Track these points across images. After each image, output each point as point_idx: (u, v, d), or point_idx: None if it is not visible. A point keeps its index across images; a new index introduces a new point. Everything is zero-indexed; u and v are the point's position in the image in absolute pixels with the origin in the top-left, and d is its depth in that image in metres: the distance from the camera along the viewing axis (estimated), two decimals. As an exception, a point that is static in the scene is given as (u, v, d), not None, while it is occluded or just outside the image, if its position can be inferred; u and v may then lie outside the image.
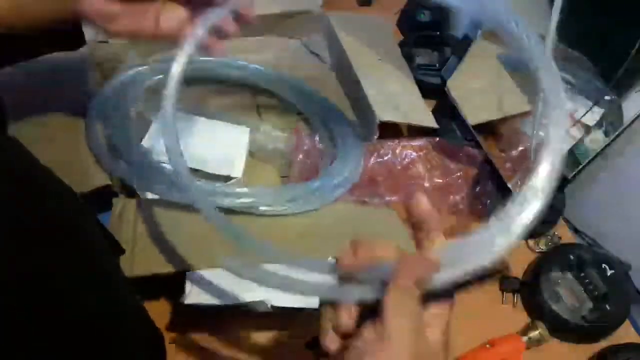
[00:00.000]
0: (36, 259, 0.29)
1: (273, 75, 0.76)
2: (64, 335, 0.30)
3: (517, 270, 0.67)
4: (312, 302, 0.50)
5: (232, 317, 0.54)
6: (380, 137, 0.68)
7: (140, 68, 0.70)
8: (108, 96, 0.66)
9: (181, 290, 0.51)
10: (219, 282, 0.51)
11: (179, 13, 0.47)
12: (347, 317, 0.33)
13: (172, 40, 0.45)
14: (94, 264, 0.36)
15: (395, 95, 0.71)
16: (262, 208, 0.58)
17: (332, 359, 0.34)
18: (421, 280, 0.32)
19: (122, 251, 0.49)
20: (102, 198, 0.57)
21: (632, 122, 0.58)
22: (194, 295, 0.50)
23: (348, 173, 0.64)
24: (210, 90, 0.77)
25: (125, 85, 0.68)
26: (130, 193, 0.59)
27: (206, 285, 0.51)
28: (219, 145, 0.64)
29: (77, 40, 0.50)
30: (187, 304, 0.50)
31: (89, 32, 0.65)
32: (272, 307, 0.50)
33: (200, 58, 0.75)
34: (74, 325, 0.31)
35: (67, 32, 0.47)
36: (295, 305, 0.51)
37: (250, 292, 0.50)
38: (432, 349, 0.33)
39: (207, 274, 0.52)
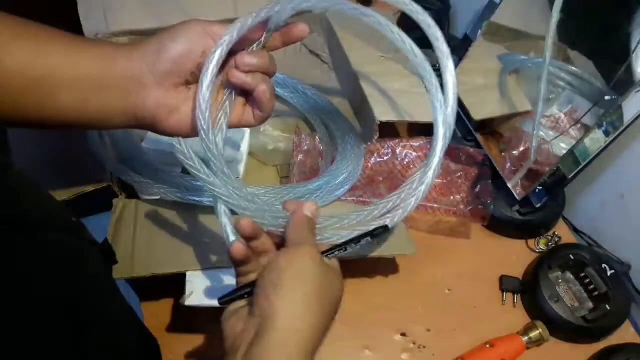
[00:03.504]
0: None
1: (273, 75, 0.76)
2: (50, 345, 0.30)
3: (517, 270, 0.68)
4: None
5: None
6: (380, 137, 0.68)
7: (140, 68, 0.70)
8: (108, 96, 0.66)
9: (181, 291, 0.51)
10: (219, 283, 0.51)
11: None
12: (247, 224, 0.39)
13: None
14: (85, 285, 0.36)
15: (399, 93, 0.71)
16: (262, 208, 0.58)
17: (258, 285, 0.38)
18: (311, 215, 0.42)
19: (115, 261, 0.48)
20: (102, 198, 0.57)
21: (632, 122, 0.58)
22: (194, 296, 0.50)
23: (348, 173, 0.64)
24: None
25: (125, 85, 0.68)
26: (130, 193, 0.59)
27: (206, 286, 0.51)
28: (219, 146, 0.64)
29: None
30: (187, 305, 0.50)
31: (88, 32, 0.66)
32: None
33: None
34: (62, 334, 0.31)
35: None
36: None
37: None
38: (332, 264, 0.40)
39: (207, 274, 0.51)
